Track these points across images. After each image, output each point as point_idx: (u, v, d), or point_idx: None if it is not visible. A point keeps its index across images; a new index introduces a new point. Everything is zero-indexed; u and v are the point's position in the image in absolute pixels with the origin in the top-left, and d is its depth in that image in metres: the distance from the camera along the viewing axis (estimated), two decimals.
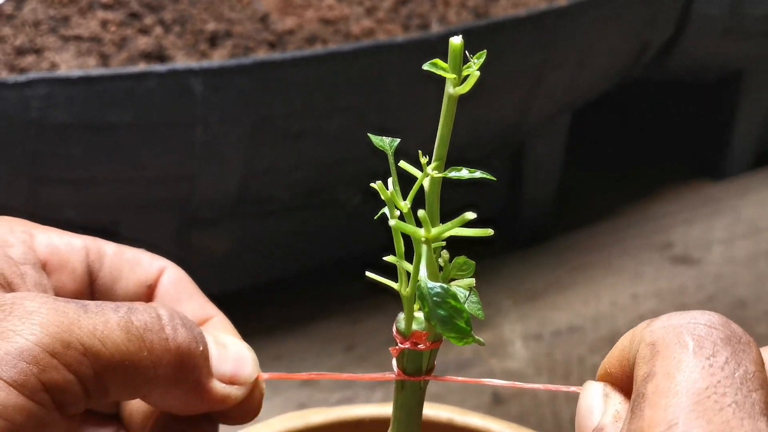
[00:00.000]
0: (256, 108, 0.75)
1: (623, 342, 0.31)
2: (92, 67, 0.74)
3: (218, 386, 0.35)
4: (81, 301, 0.32)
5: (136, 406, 0.38)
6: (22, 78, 0.69)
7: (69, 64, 0.75)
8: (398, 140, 0.32)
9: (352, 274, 0.72)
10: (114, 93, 0.71)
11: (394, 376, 0.33)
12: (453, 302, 0.29)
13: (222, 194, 0.78)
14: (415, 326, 0.32)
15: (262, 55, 0.78)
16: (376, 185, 0.31)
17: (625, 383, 0.31)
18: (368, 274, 0.32)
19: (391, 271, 0.33)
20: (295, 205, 0.85)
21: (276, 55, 0.77)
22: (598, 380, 0.32)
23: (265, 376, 0.37)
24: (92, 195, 0.77)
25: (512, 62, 0.84)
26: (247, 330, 0.40)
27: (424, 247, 0.31)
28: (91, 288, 0.38)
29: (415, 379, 0.33)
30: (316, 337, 0.89)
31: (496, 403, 0.82)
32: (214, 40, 0.79)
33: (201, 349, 0.34)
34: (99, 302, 0.32)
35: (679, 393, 0.26)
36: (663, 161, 1.19)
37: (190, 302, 0.38)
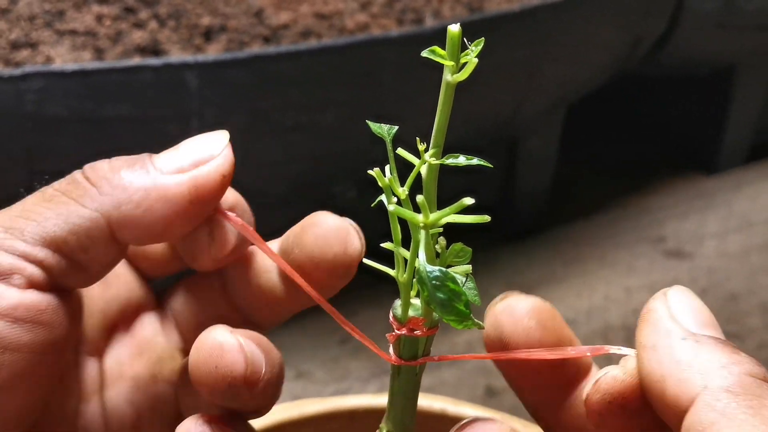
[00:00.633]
0: (250, 102, 0.75)
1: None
2: (87, 61, 0.74)
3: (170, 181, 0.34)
4: None
5: None
6: (17, 72, 0.69)
7: (64, 58, 0.75)
8: (396, 128, 0.32)
9: None
10: (109, 87, 0.71)
11: (392, 357, 0.33)
12: (452, 285, 0.29)
13: None
14: (411, 312, 0.33)
15: (256, 49, 0.79)
16: (374, 172, 0.31)
17: None
18: (365, 260, 0.33)
19: (387, 262, 0.34)
20: (290, 198, 0.85)
21: (271, 49, 0.77)
22: None
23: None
24: None
25: (506, 57, 0.85)
26: None
27: (422, 233, 0.31)
28: None
29: (411, 364, 0.33)
30: (311, 329, 0.89)
31: (490, 396, 0.82)
32: (209, 35, 0.80)
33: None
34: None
35: None
36: (657, 155, 1.20)
37: None
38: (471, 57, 0.29)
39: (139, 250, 0.39)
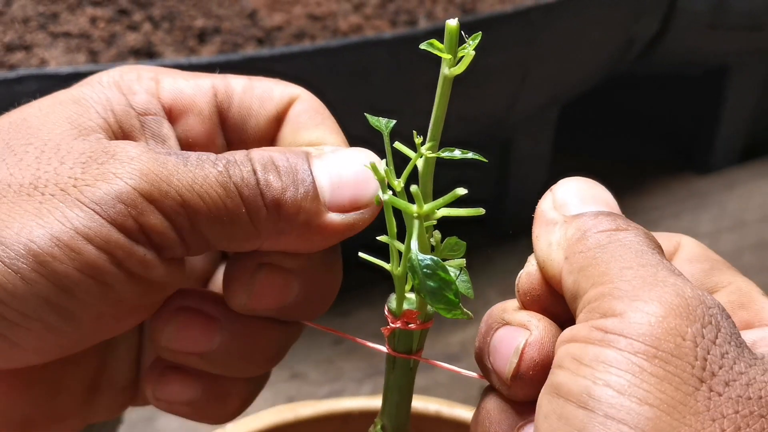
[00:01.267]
0: None
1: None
2: (81, 64, 0.75)
3: (336, 219, 0.33)
4: (182, 152, 0.32)
5: None
6: (11, 74, 0.69)
7: (58, 61, 0.75)
8: (395, 121, 0.33)
9: None
10: None
11: (386, 350, 0.34)
12: (443, 274, 0.30)
13: None
14: (406, 306, 0.33)
15: (250, 51, 0.79)
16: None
17: None
18: (361, 254, 0.33)
19: (382, 256, 0.34)
20: None
21: (264, 50, 0.77)
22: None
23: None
24: None
25: (499, 57, 0.85)
26: None
27: (415, 223, 0.31)
28: (223, 127, 0.37)
29: (406, 357, 0.33)
30: (305, 330, 0.89)
31: None
32: (202, 37, 0.80)
33: (303, 192, 0.33)
34: (199, 154, 0.32)
35: None
36: (650, 155, 1.20)
37: (316, 130, 0.37)
38: (468, 50, 0.29)
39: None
